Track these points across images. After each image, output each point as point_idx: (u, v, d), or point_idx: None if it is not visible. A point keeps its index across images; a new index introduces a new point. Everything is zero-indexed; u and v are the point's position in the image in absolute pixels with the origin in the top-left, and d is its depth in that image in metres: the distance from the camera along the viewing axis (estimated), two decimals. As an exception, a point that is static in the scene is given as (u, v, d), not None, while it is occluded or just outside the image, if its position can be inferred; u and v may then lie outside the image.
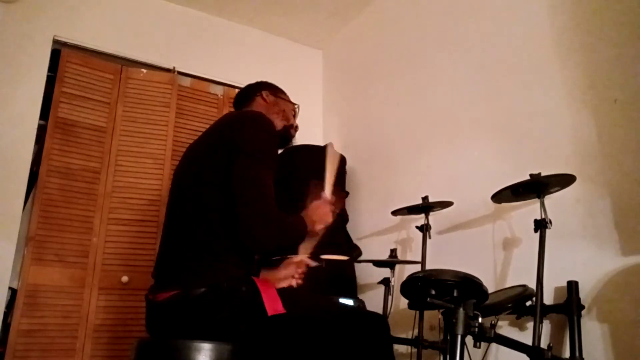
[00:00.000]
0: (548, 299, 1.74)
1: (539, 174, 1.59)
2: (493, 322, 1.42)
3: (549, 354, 1.45)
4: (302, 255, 1.62)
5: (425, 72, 2.67)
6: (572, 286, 1.64)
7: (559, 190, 1.68)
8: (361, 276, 2.82)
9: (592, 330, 1.64)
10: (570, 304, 1.62)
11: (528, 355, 1.48)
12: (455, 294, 1.35)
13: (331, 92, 3.61)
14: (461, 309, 1.25)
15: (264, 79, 1.94)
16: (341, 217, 2.87)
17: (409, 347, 2.17)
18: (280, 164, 1.56)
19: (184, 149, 1.67)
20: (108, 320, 2.51)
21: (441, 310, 1.84)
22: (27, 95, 2.56)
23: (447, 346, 1.33)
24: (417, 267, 2.17)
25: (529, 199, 1.72)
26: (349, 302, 2.38)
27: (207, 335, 1.29)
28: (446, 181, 2.39)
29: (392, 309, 2.20)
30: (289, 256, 1.70)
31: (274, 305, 1.29)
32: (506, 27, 2.21)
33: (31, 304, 2.36)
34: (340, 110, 3.46)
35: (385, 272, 2.20)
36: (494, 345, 1.92)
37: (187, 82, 3.09)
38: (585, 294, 1.66)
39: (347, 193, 3.05)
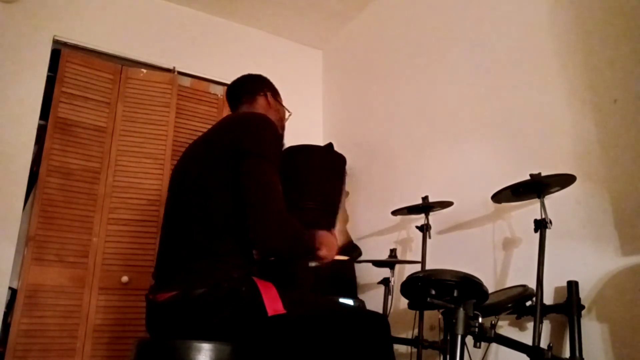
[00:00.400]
0: (548, 299, 1.74)
1: (539, 174, 1.59)
2: (493, 322, 1.42)
3: (549, 354, 1.45)
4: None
5: (425, 72, 2.67)
6: (572, 286, 1.65)
7: (559, 190, 1.68)
8: (361, 276, 2.82)
9: (592, 330, 1.64)
10: (570, 304, 1.62)
11: (528, 355, 1.48)
12: (455, 294, 1.35)
13: (331, 92, 3.61)
14: (461, 309, 1.25)
15: (263, 78, 1.93)
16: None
17: (409, 347, 2.17)
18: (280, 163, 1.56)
19: (184, 149, 1.67)
20: (108, 320, 2.51)
21: (441, 310, 1.84)
22: (27, 95, 2.56)
23: (447, 346, 1.33)
24: (417, 267, 2.17)
25: (529, 199, 1.72)
26: (349, 302, 2.39)
27: (207, 336, 1.29)
28: (446, 181, 2.39)
29: (392, 309, 2.20)
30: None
31: (274, 306, 1.29)
32: (506, 27, 2.21)
33: (31, 304, 2.36)
34: (340, 110, 3.47)
35: (385, 272, 2.20)
36: (494, 345, 1.92)
37: (187, 82, 3.09)
38: (585, 294, 1.66)
39: (347, 193, 3.05)
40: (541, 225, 1.62)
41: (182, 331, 1.32)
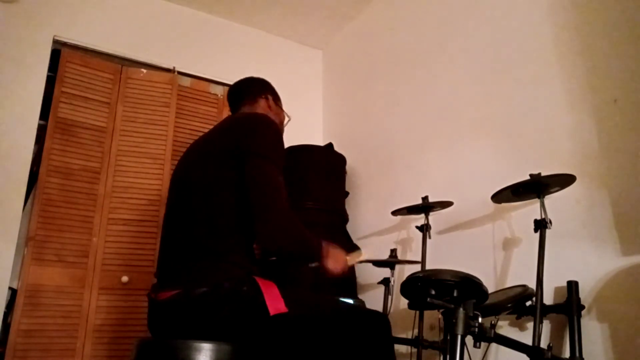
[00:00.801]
0: (548, 299, 1.74)
1: (539, 174, 1.59)
2: (493, 322, 1.43)
3: (549, 354, 1.45)
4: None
5: (425, 72, 2.67)
6: (572, 286, 1.65)
7: (559, 190, 1.68)
8: (361, 276, 2.82)
9: (592, 330, 1.64)
10: (570, 304, 1.62)
11: (528, 355, 1.48)
12: (455, 294, 1.35)
13: (331, 92, 3.61)
14: (461, 309, 1.25)
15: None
16: (341, 217, 2.87)
17: (409, 347, 2.17)
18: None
19: (184, 149, 1.67)
20: (108, 320, 2.51)
21: (441, 310, 1.84)
22: (27, 95, 2.56)
23: (447, 346, 1.33)
24: (417, 267, 2.17)
25: (529, 199, 1.72)
26: (349, 302, 2.39)
27: (209, 335, 1.29)
28: (446, 181, 2.39)
29: (392, 309, 2.20)
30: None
31: (275, 305, 1.29)
32: (506, 27, 2.21)
33: (31, 304, 2.36)
34: (340, 110, 3.47)
35: (385, 272, 2.20)
36: (494, 345, 1.92)
37: (187, 82, 3.09)
38: (585, 294, 1.66)
39: (347, 193, 3.05)
40: (541, 225, 1.62)
41: (183, 330, 1.32)
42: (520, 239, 1.98)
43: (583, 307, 1.63)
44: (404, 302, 2.28)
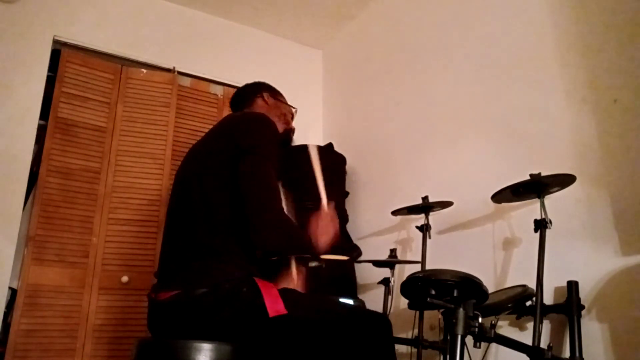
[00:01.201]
0: (548, 299, 1.74)
1: (539, 174, 1.59)
2: (493, 322, 1.42)
3: (549, 354, 1.45)
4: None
5: (425, 72, 2.67)
6: (572, 286, 1.64)
7: (559, 190, 1.68)
8: (361, 276, 2.82)
9: (592, 330, 1.64)
10: (570, 304, 1.62)
11: (528, 355, 1.48)
12: (455, 294, 1.35)
13: (331, 92, 3.61)
14: (461, 309, 1.25)
15: (263, 79, 1.94)
16: (341, 217, 2.87)
17: (409, 347, 2.17)
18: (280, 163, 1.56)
19: (184, 149, 1.68)
20: (108, 320, 2.51)
21: (441, 310, 1.84)
22: (27, 95, 2.56)
23: (447, 346, 1.33)
24: (417, 267, 2.17)
25: (529, 199, 1.72)
26: (349, 302, 2.38)
27: (208, 335, 1.29)
28: (446, 181, 2.39)
29: (392, 309, 2.20)
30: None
31: (275, 306, 1.29)
32: (506, 27, 2.21)
33: (31, 304, 2.36)
34: (340, 110, 3.46)
35: (385, 272, 2.20)
36: (494, 345, 1.92)
37: (187, 82, 3.09)
38: (585, 294, 1.66)
39: (347, 193, 3.05)
40: (541, 225, 1.62)
41: (182, 330, 1.32)
42: (520, 239, 1.98)
43: (583, 307, 1.63)
44: (404, 302, 2.28)
